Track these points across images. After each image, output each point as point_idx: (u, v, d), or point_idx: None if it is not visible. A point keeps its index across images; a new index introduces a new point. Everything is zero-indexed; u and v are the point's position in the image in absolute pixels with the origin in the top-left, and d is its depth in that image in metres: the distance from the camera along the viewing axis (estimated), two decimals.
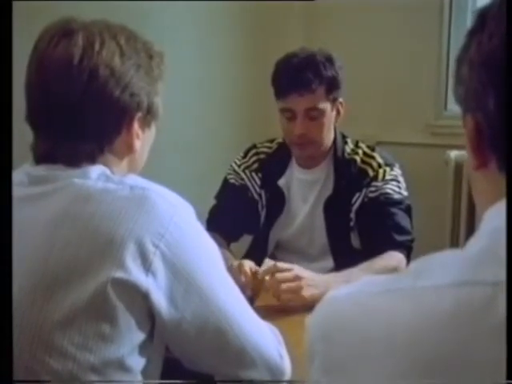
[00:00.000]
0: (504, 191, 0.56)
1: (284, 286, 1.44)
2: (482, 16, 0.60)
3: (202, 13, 2.73)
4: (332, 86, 1.71)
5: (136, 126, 0.99)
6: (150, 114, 1.01)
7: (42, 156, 0.96)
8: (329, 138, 1.79)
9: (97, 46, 0.94)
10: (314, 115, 1.71)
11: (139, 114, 0.99)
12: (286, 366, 1.01)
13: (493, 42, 0.57)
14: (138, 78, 0.97)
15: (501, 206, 0.55)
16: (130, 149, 0.99)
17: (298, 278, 1.47)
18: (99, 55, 0.93)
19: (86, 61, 0.92)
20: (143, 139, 1.01)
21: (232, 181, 1.90)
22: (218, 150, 2.73)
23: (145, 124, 1.01)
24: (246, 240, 1.95)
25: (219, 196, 1.92)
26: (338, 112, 1.79)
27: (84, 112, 0.93)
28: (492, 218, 0.56)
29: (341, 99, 1.77)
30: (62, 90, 0.93)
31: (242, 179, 1.89)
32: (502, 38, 0.56)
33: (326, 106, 1.72)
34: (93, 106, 0.93)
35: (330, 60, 1.72)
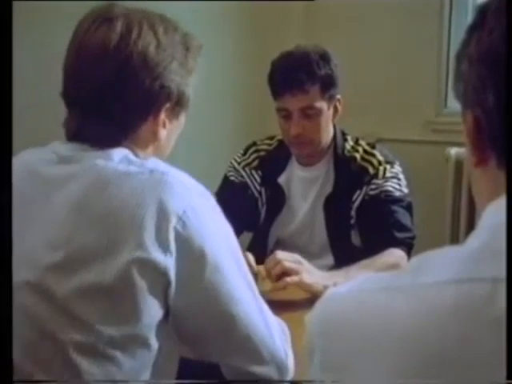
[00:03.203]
0: (504, 188, 0.56)
1: (287, 264, 1.44)
2: (482, 12, 0.60)
3: (201, 13, 2.73)
4: (327, 85, 1.70)
5: (163, 115, 1.01)
6: (179, 105, 1.03)
7: (72, 133, 0.99)
8: (327, 135, 1.79)
9: (134, 35, 0.96)
10: (310, 114, 1.70)
11: (167, 105, 1.01)
12: (290, 364, 1.01)
13: (492, 38, 0.57)
14: (170, 69, 0.99)
15: (500, 203, 0.55)
16: (154, 137, 1.02)
17: (299, 262, 1.47)
18: (135, 44, 0.96)
19: (121, 47, 0.95)
20: (169, 129, 1.04)
21: (232, 178, 1.90)
22: (218, 148, 2.74)
23: (173, 114, 1.03)
24: (247, 237, 1.95)
25: (219, 193, 1.91)
26: (336, 109, 1.78)
27: (113, 96, 0.96)
28: (491, 214, 0.56)
29: (338, 96, 1.76)
30: (95, 73, 0.95)
31: (242, 176, 1.89)
32: (501, 34, 0.56)
33: (321, 104, 1.71)
34: (122, 92, 0.96)
35: (324, 58, 1.71)
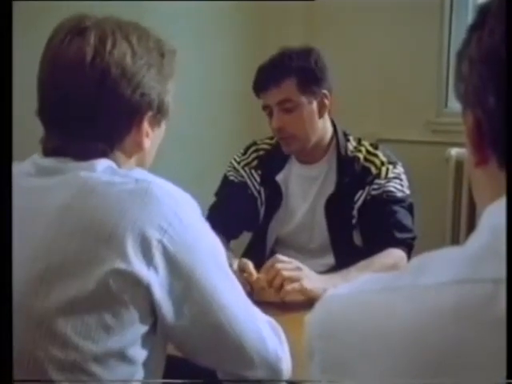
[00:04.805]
0: (504, 188, 0.56)
1: (286, 273, 1.44)
2: (483, 12, 0.59)
3: (202, 13, 2.73)
4: (305, 78, 1.71)
5: (146, 124, 0.99)
6: (160, 113, 1.02)
7: (52, 150, 0.96)
8: (315, 131, 1.77)
9: (109, 46, 0.94)
10: (289, 108, 1.71)
11: (149, 113, 0.99)
12: (284, 367, 1.00)
13: (493, 38, 0.56)
14: (149, 77, 0.98)
15: (501, 203, 0.55)
16: (139, 147, 1.00)
17: (298, 268, 1.47)
18: (111, 55, 0.94)
19: (97, 60, 0.93)
20: (152, 138, 1.02)
21: (232, 178, 1.90)
22: (218, 148, 2.73)
23: (155, 123, 1.02)
24: (246, 236, 1.95)
25: (219, 193, 1.92)
26: (323, 105, 1.76)
27: (95, 111, 0.94)
28: (492, 214, 0.56)
29: (324, 91, 1.75)
30: (73, 89, 0.94)
31: (242, 176, 1.88)
32: (502, 34, 0.56)
33: (299, 98, 1.72)
34: (104, 105, 0.94)
35: (303, 52, 1.72)
